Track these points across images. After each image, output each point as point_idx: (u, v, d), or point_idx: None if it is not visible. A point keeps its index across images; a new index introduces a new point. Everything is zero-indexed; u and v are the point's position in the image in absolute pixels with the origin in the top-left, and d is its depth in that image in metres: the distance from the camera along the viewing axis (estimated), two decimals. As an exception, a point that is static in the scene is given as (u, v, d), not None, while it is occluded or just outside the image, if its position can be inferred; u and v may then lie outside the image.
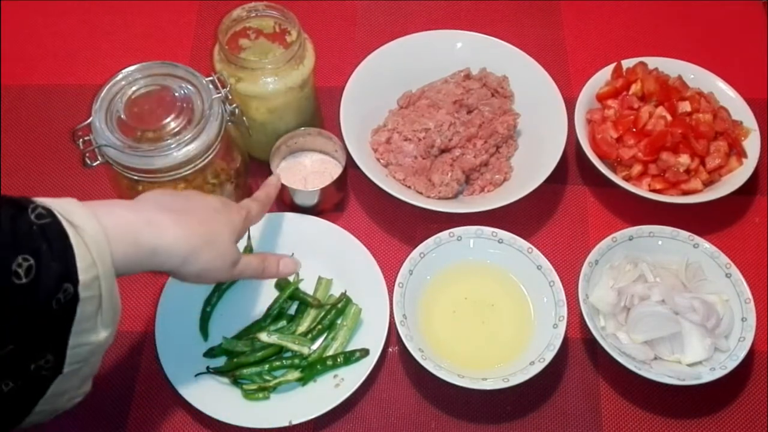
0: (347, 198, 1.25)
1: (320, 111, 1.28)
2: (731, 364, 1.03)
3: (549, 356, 1.03)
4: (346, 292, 1.12)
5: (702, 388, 1.04)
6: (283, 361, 1.07)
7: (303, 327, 1.09)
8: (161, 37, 1.44)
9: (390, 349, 1.11)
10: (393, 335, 1.10)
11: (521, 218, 1.22)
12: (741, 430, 1.06)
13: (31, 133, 1.32)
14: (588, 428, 1.06)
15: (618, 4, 1.50)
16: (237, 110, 1.07)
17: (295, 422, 1.01)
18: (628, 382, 1.08)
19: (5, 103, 1.35)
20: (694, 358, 1.05)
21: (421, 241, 1.13)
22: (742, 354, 1.04)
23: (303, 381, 1.05)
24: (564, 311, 1.07)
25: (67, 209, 0.73)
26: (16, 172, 1.27)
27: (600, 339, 1.04)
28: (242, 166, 1.14)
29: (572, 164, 1.30)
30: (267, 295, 1.13)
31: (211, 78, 1.06)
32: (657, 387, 1.04)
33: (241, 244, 1.14)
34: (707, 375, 1.03)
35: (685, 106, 1.25)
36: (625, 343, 1.07)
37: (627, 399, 1.08)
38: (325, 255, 1.16)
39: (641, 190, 1.20)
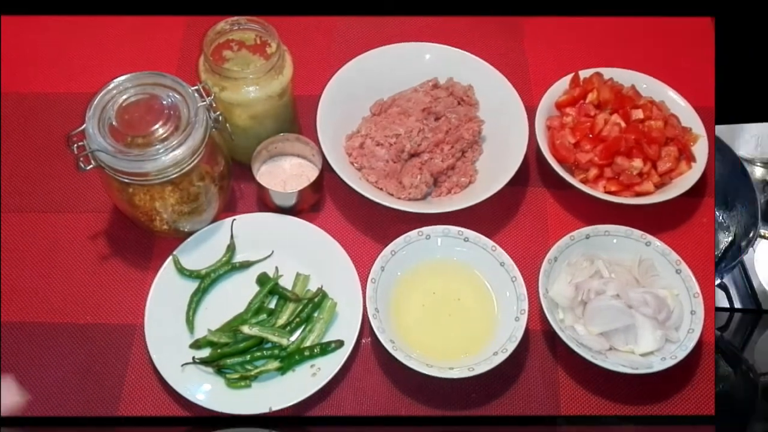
0: (323, 199, 1.27)
1: (298, 118, 1.30)
2: (681, 354, 1.07)
3: (511, 347, 1.06)
4: (322, 287, 1.15)
5: (653, 377, 1.07)
6: (264, 351, 1.10)
7: (282, 320, 1.12)
8: (150, 50, 1.46)
9: (363, 341, 1.13)
10: (366, 327, 1.12)
11: (485, 218, 1.24)
12: (690, 415, 1.09)
13: (28, 139, 1.34)
14: (547, 413, 1.09)
15: (575, 19, 1.53)
16: (221, 117, 1.09)
17: (274, 408, 1.04)
18: (584, 370, 1.11)
19: (4, 109, 1.37)
20: (646, 349, 1.09)
21: (393, 240, 1.16)
22: (691, 345, 1.08)
23: (282, 370, 1.08)
24: (525, 305, 1.10)
25: None
26: (16, 175, 1.29)
27: (559, 331, 1.07)
28: (226, 170, 1.16)
29: (533, 168, 1.32)
30: (248, 289, 1.15)
31: (196, 87, 1.08)
32: (612, 375, 1.08)
33: (224, 243, 1.18)
34: (658, 364, 1.06)
35: (638, 114, 1.28)
36: (582, 335, 1.10)
37: (584, 387, 1.11)
38: (303, 253, 1.19)
39: (597, 192, 1.23)
